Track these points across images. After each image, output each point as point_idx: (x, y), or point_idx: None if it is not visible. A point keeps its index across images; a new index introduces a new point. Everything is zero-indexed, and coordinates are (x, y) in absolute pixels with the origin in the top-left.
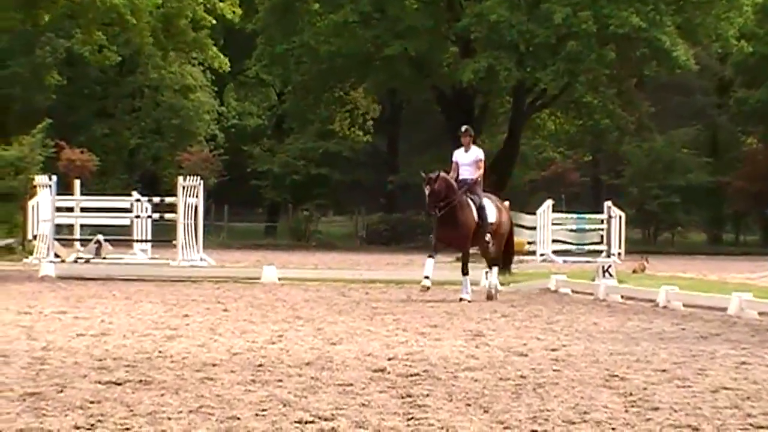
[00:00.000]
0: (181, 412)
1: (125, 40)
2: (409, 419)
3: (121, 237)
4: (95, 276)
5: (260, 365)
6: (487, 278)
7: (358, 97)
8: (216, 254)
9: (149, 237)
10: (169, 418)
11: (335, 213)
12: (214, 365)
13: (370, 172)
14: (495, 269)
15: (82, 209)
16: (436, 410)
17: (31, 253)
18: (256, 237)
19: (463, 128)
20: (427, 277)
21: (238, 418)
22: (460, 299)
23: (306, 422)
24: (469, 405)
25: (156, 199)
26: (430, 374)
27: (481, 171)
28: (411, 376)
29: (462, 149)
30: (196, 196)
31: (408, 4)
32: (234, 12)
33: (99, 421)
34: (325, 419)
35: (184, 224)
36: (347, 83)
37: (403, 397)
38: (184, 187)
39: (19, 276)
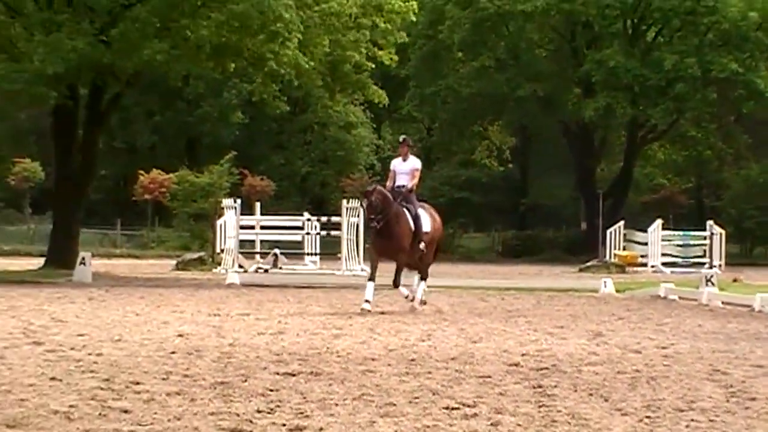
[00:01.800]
0: (346, 399)
1: (298, 84)
2: (540, 407)
3: (294, 251)
4: (273, 283)
5: (413, 360)
6: (416, 286)
7: (494, 131)
8: None
9: (318, 250)
10: (336, 404)
11: (475, 230)
12: (373, 359)
13: (504, 195)
14: (422, 283)
15: (262, 227)
16: (563, 399)
17: (219, 264)
18: None
19: (401, 138)
20: (367, 301)
21: (394, 405)
22: (412, 307)
23: (452, 408)
24: (591, 395)
25: (323, 219)
26: (558, 368)
27: (416, 180)
28: (541, 369)
29: (400, 159)
30: (357, 216)
31: (538, 52)
32: (391, 59)
33: (277, 406)
34: (468, 406)
35: (347, 240)
36: (485, 120)
37: (534, 388)
38: (347, 209)
39: (209, 283)
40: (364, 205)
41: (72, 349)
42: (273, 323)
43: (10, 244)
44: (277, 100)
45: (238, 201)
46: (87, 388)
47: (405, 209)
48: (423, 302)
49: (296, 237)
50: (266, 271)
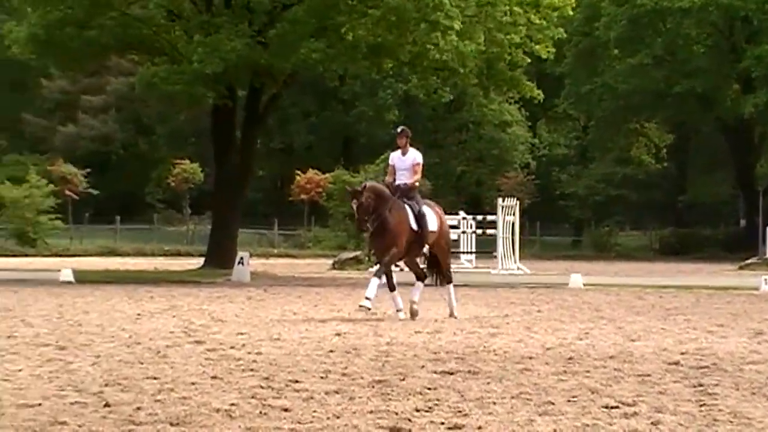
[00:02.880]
0: (504, 397)
1: (453, 84)
2: (701, 405)
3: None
4: (428, 283)
5: (570, 358)
6: (412, 295)
7: (651, 128)
8: (529, 264)
9: (474, 249)
10: (494, 403)
11: (632, 228)
12: (530, 358)
13: (661, 192)
14: (451, 287)
15: None
16: (725, 398)
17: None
18: (563, 249)
19: (399, 129)
20: (368, 298)
21: (553, 403)
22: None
23: (611, 407)
24: (754, 394)
25: (479, 217)
26: (718, 366)
27: (418, 176)
28: (701, 368)
29: (399, 152)
30: (513, 215)
31: (695, 48)
32: (548, 52)
33: (435, 404)
34: (628, 405)
35: (503, 238)
36: (642, 117)
37: (695, 387)
38: (502, 207)
39: (365, 283)
40: (354, 206)
41: (232, 347)
42: (430, 322)
43: (170, 244)
44: (438, 91)
45: None
46: (247, 386)
47: (407, 205)
48: (452, 315)
49: (452, 236)
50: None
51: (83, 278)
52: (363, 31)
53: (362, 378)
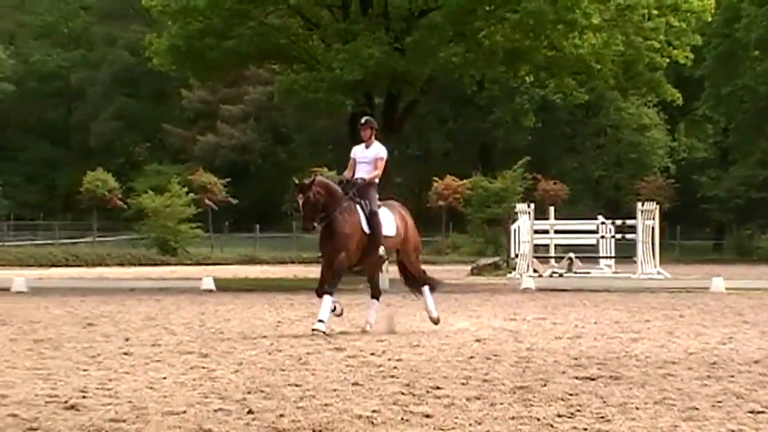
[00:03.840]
0: (647, 403)
1: (590, 88)
2: None
3: (588, 254)
4: (568, 288)
5: (714, 363)
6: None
7: None
8: (669, 268)
9: (613, 254)
10: (637, 408)
11: None
12: (673, 363)
13: None
14: (426, 289)
15: (556, 231)
16: None
17: (513, 269)
18: (704, 253)
19: (363, 120)
20: (321, 321)
21: (697, 409)
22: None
23: (757, 412)
24: None
25: (618, 222)
26: None
27: (379, 171)
28: None
29: (362, 145)
30: (653, 219)
31: None
32: (687, 57)
33: (578, 410)
34: None
35: (643, 243)
36: None
37: None
38: (642, 211)
39: (505, 288)
40: (300, 201)
41: (372, 354)
42: (569, 327)
43: (308, 251)
44: (574, 92)
45: (532, 205)
46: (389, 393)
47: (357, 205)
48: (436, 320)
49: (590, 241)
50: (561, 275)
51: (224, 286)
52: (500, 36)
53: (503, 384)
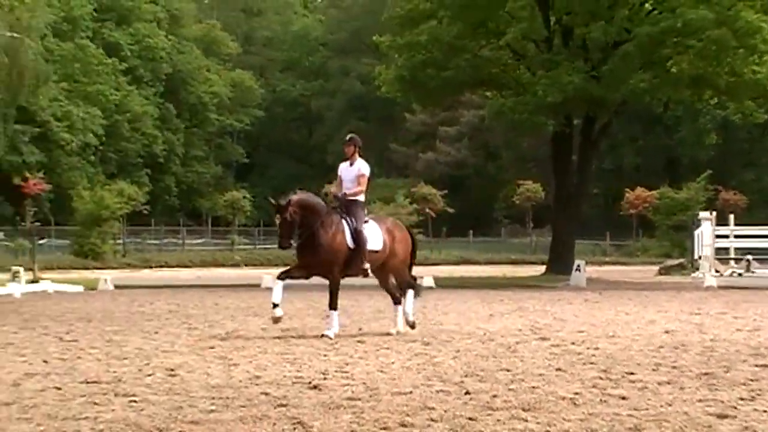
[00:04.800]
0: None
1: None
2: None
3: (765, 257)
4: (746, 286)
5: None
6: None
7: None
8: None
9: None
10: None
11: None
12: None
13: None
14: (410, 293)
15: (735, 236)
16: None
17: (697, 269)
18: None
19: (348, 137)
20: (275, 305)
21: None
22: (322, 335)
23: None
24: None
25: None
26: None
27: (362, 188)
28: None
29: (347, 162)
30: None
31: None
32: None
33: (758, 394)
34: None
35: None
36: None
37: None
38: None
39: (689, 286)
40: (277, 222)
41: (572, 343)
42: (749, 321)
43: (516, 254)
44: (754, 114)
45: (714, 213)
46: (588, 377)
47: (343, 219)
48: (412, 324)
49: (767, 244)
50: (740, 275)
51: (442, 284)
52: (686, 63)
53: (690, 371)
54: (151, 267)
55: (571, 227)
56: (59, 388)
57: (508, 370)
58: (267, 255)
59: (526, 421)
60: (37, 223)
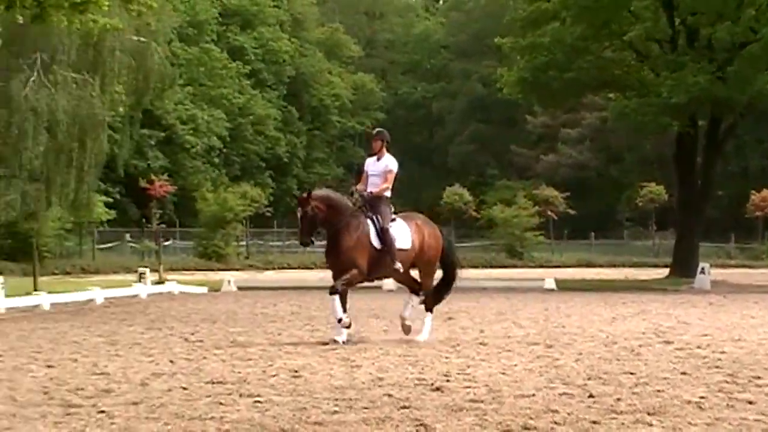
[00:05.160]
0: None
1: None
2: None
3: None
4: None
5: None
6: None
7: None
8: None
9: None
10: None
11: None
12: None
13: None
14: (415, 298)
15: None
16: None
17: None
18: None
19: (375, 131)
20: (340, 320)
21: None
22: (333, 340)
23: None
24: None
25: None
26: None
27: (388, 184)
28: None
29: (374, 158)
30: None
31: None
32: None
33: None
34: None
35: None
36: None
37: None
38: None
39: None
40: (298, 215)
41: (698, 347)
42: None
43: (638, 256)
44: None
45: None
46: (714, 381)
47: (368, 219)
48: (407, 329)
49: None
50: None
51: (564, 286)
52: None
53: None
54: (273, 269)
55: (695, 229)
56: (185, 388)
57: (631, 374)
58: None
59: (651, 425)
60: (163, 225)
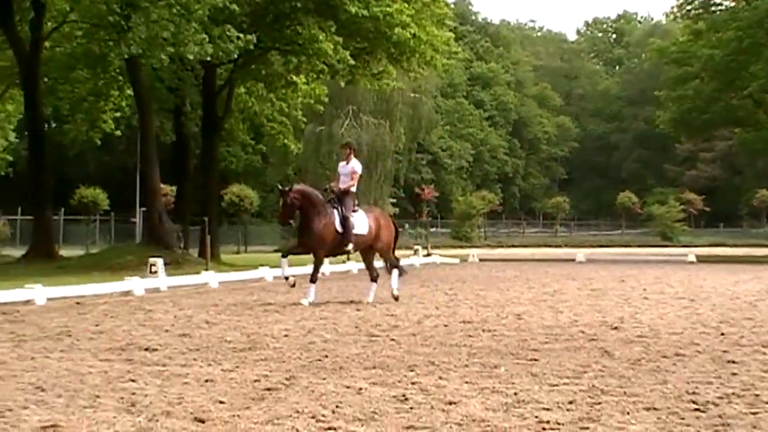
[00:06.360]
0: None
1: None
2: None
3: None
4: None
5: None
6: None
7: None
8: None
9: None
10: None
11: None
12: None
13: None
14: (395, 272)
15: None
16: None
17: None
18: None
19: (345, 142)
20: (286, 278)
21: None
22: (298, 303)
23: None
24: None
25: None
26: None
27: (353, 182)
28: None
29: (344, 162)
30: None
31: None
32: None
33: None
34: None
35: None
36: None
37: None
38: None
39: None
40: (280, 203)
41: None
42: None
43: (754, 240)
44: None
45: None
46: None
47: (334, 209)
48: (396, 297)
49: None
50: None
51: (701, 260)
52: None
53: None
54: (502, 247)
55: None
56: (446, 326)
57: (750, 319)
58: (581, 239)
59: (765, 354)
60: (429, 218)
